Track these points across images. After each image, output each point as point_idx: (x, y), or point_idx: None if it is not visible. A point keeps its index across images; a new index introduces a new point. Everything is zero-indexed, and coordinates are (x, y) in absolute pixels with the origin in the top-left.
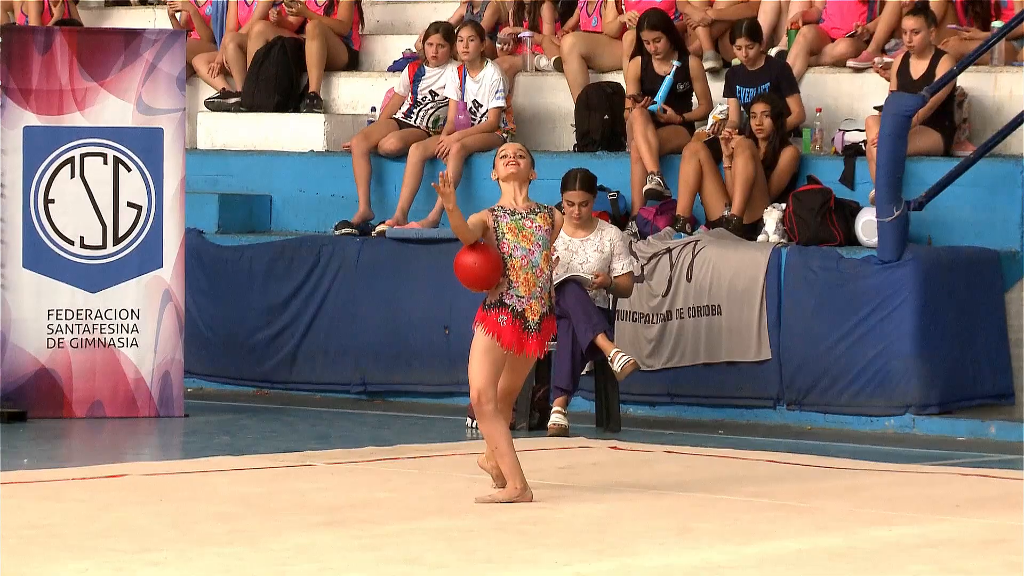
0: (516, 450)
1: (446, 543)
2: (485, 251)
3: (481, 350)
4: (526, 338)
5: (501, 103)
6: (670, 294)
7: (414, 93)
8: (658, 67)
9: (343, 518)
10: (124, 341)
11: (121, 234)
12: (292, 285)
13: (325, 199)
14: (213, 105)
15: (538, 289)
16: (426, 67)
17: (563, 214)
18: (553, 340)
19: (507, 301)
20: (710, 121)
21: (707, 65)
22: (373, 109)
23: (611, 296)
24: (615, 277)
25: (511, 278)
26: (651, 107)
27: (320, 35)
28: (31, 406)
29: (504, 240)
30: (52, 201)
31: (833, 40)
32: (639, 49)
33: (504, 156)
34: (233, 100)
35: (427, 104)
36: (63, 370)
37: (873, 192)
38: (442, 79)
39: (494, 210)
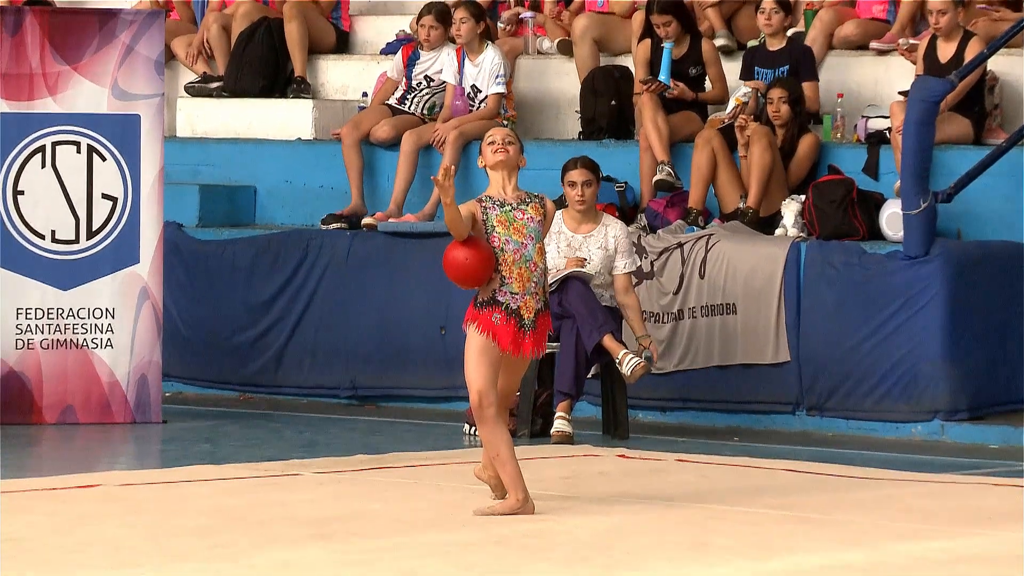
0: (517, 458)
1: (442, 558)
2: (476, 245)
3: (477, 351)
4: (522, 337)
5: (502, 88)
6: (681, 292)
7: (408, 78)
8: (672, 50)
9: (332, 531)
10: (98, 342)
11: (95, 228)
12: (278, 282)
13: (313, 190)
14: (193, 90)
15: (532, 284)
16: (421, 50)
17: (555, 205)
18: (557, 342)
19: (500, 298)
20: (731, 104)
21: (718, 43)
22: (364, 95)
23: None
24: (615, 275)
25: (503, 274)
26: (662, 92)
27: (299, 16)
28: None
29: (494, 233)
30: (22, 192)
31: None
32: (648, 30)
33: (492, 142)
34: (215, 85)
35: (422, 90)
36: (32, 373)
37: (898, 183)
38: (438, 63)
39: (482, 200)
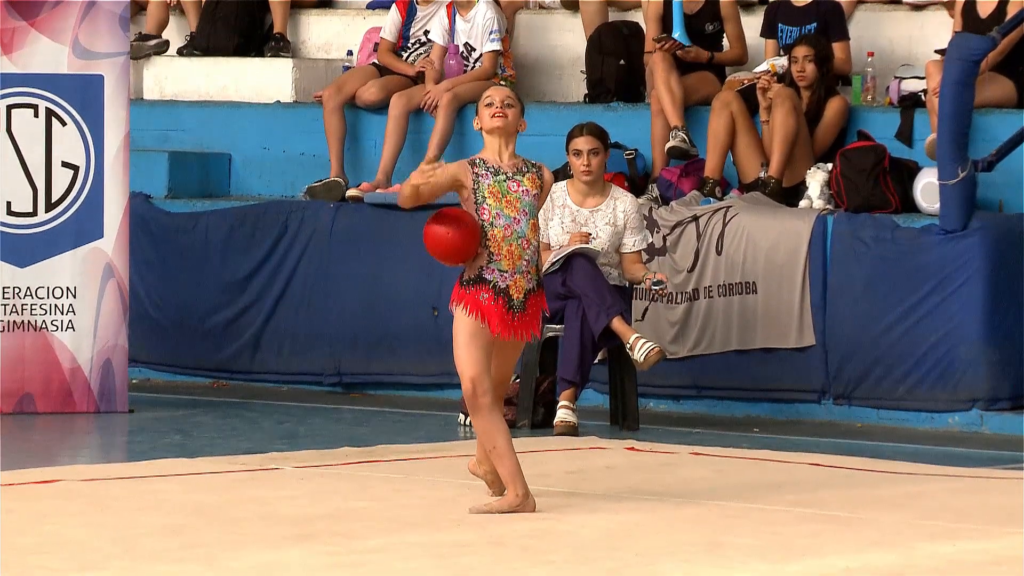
0: (517, 451)
1: (434, 561)
2: (460, 218)
3: (467, 334)
4: (510, 319)
5: (497, 46)
6: (697, 269)
7: (405, 36)
8: (686, 4)
9: (314, 531)
10: (58, 324)
11: (55, 199)
12: (255, 259)
13: (293, 158)
14: (132, 50)
15: (524, 263)
16: (417, 5)
17: (555, 176)
18: (560, 325)
19: (488, 276)
20: (763, 66)
21: None
22: (349, 53)
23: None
24: (623, 253)
25: (491, 250)
26: (677, 51)
27: None
28: None
29: (484, 206)
30: None
31: None
32: None
33: (489, 104)
34: (153, 42)
35: (416, 49)
36: None
37: (930, 137)
38: (434, 19)
39: (475, 164)
